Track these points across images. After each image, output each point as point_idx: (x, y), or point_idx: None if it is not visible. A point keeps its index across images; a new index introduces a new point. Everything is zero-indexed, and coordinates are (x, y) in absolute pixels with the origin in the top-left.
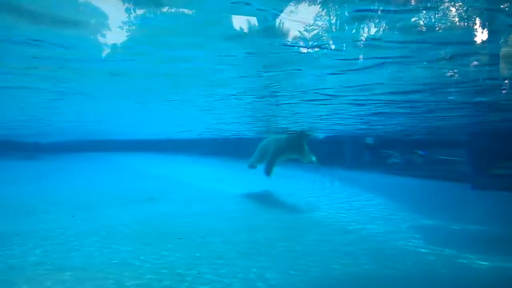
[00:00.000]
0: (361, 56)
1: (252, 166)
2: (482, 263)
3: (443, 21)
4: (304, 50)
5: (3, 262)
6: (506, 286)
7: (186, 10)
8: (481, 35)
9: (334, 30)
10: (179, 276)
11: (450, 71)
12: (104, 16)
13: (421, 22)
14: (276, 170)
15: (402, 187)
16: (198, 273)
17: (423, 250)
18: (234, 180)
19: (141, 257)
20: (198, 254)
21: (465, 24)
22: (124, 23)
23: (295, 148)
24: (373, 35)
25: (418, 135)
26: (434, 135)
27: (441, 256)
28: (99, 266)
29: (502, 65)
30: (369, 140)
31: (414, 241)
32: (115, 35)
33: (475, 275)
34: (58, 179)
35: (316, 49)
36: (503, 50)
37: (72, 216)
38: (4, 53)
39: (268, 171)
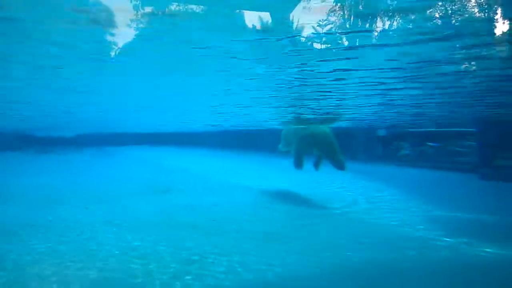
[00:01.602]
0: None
1: (280, 150)
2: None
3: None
4: None
5: (19, 252)
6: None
7: None
8: None
9: None
10: (194, 263)
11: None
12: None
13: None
14: (287, 163)
15: (413, 179)
16: (212, 262)
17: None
18: (250, 173)
19: (157, 246)
20: (212, 243)
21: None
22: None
23: (321, 143)
24: None
25: (429, 127)
26: (444, 127)
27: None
28: (115, 255)
29: None
30: (381, 132)
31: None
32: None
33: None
34: (73, 173)
35: None
36: None
37: (86, 208)
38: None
39: (296, 164)
